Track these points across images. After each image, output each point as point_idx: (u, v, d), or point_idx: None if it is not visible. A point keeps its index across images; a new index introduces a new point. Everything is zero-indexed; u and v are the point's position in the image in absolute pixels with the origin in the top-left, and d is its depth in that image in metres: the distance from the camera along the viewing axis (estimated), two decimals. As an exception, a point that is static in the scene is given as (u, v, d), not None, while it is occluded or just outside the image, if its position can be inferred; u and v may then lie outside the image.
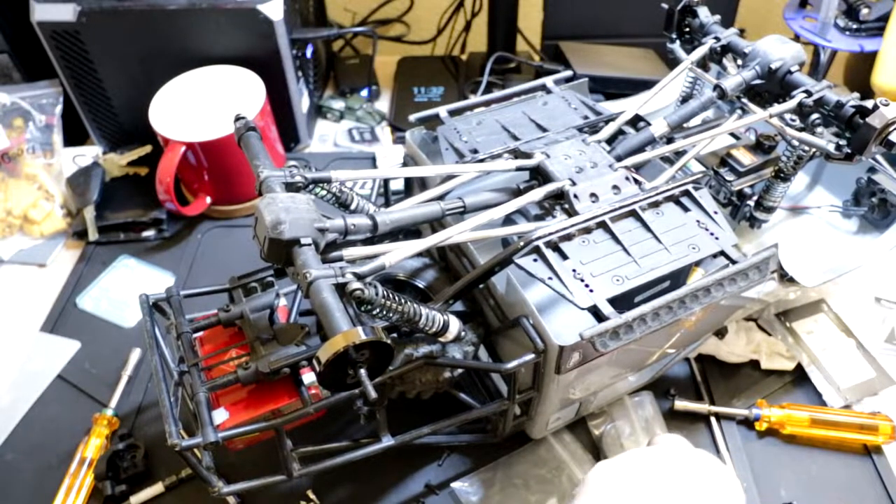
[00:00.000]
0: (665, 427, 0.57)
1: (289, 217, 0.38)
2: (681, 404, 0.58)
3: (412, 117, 0.58)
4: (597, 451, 0.56)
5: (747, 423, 0.58)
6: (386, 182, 0.62)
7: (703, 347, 0.61)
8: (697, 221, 0.47)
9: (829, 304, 0.65)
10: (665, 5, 0.62)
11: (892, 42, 0.73)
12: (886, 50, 0.73)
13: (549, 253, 0.44)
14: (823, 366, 0.60)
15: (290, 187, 0.43)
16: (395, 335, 0.48)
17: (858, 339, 0.62)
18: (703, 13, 0.61)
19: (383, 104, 0.93)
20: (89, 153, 0.81)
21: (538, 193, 0.47)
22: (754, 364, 0.61)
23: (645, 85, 0.59)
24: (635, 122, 0.56)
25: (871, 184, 0.60)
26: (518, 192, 0.49)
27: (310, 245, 0.38)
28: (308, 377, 0.46)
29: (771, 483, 0.54)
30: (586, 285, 0.43)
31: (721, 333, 0.59)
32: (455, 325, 0.44)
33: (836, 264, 0.57)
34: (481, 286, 0.48)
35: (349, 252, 0.40)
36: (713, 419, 0.58)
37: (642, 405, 0.58)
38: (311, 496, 0.54)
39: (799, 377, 0.61)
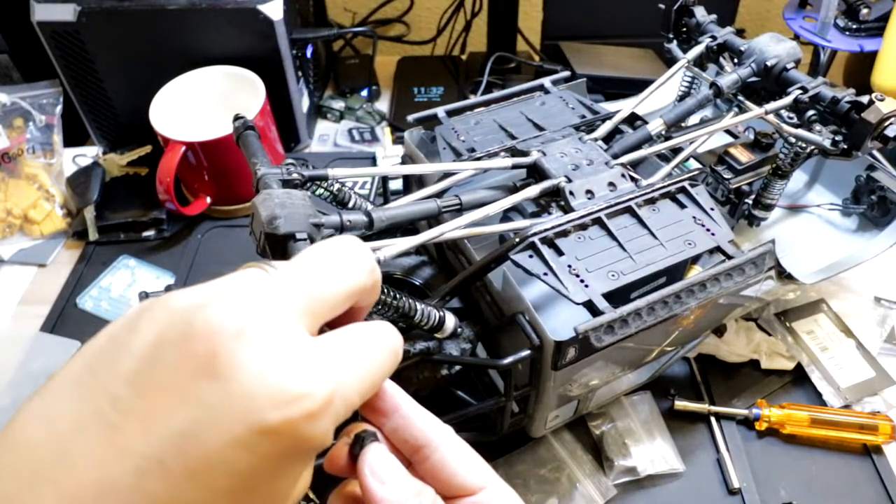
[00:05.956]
0: (664, 427, 0.56)
1: (284, 212, 0.38)
2: (681, 404, 0.57)
3: (410, 117, 0.58)
4: (597, 451, 0.56)
5: (747, 423, 0.57)
6: (385, 182, 0.62)
7: (702, 347, 0.61)
8: (693, 218, 0.47)
9: (828, 303, 0.65)
10: (662, 5, 0.63)
11: (892, 42, 0.72)
12: (886, 50, 0.73)
13: (544, 249, 0.43)
14: (823, 366, 0.60)
15: (288, 184, 0.42)
16: (391, 332, 0.48)
17: (858, 339, 0.62)
18: (700, 13, 0.61)
19: (383, 104, 0.93)
20: (89, 153, 0.81)
21: (534, 190, 0.47)
22: (754, 364, 0.61)
23: (645, 85, 0.59)
24: (632, 120, 0.56)
25: (871, 181, 0.60)
26: (514, 190, 0.49)
27: (305, 240, 0.38)
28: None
29: (771, 483, 0.54)
30: (581, 281, 0.42)
31: (720, 331, 0.59)
32: (451, 320, 0.44)
33: (835, 262, 0.57)
34: (478, 283, 0.48)
35: (345, 248, 0.40)
36: (713, 419, 0.57)
37: (641, 405, 0.57)
38: (311, 495, 0.53)
39: (799, 377, 0.61)
